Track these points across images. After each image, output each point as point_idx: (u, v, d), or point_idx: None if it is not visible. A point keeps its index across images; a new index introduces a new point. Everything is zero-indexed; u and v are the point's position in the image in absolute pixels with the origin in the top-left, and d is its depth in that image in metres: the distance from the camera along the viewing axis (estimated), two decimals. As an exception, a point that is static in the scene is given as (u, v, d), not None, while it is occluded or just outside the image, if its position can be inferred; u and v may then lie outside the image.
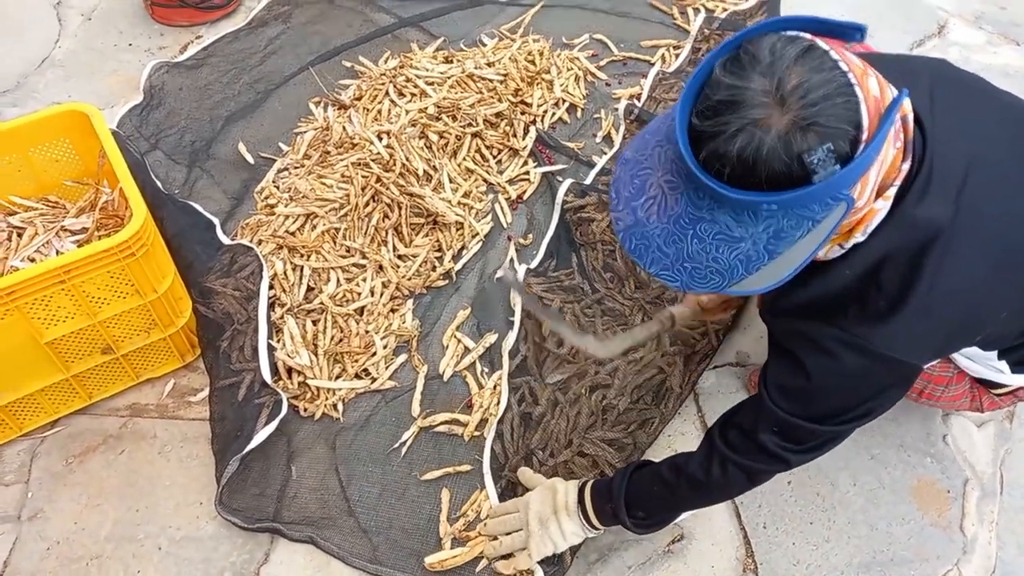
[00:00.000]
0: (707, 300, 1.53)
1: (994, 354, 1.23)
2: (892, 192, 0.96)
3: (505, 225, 1.93)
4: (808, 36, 0.87)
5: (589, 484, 1.35)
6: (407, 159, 1.90)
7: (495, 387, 1.62)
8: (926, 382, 1.39)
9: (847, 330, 1.01)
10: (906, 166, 0.96)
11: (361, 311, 1.72)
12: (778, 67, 0.83)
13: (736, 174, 0.84)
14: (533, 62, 2.22)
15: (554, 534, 1.34)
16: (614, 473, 1.33)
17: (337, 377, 1.63)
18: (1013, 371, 1.27)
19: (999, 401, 1.40)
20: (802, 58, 0.84)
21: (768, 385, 1.10)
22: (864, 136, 0.83)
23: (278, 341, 1.64)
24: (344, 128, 2.01)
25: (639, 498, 1.27)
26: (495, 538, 1.41)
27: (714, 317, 1.61)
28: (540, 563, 1.37)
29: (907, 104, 0.98)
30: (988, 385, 1.38)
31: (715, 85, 0.86)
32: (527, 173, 2.03)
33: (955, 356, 1.33)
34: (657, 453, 1.57)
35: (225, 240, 1.80)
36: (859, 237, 0.98)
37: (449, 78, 2.13)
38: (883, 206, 0.96)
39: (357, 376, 1.64)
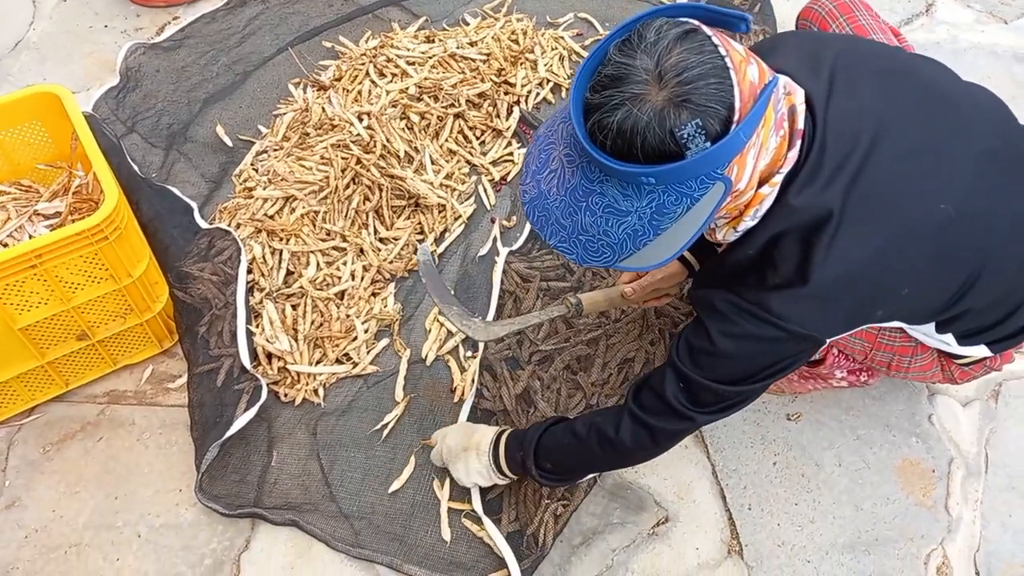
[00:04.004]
0: (631, 291, 1.52)
1: (931, 327, 1.23)
2: (778, 179, 1.02)
3: (489, 207, 1.91)
4: (695, 22, 0.93)
5: (507, 432, 1.39)
6: (388, 140, 1.87)
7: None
8: (891, 354, 1.37)
9: (744, 298, 1.06)
10: (793, 154, 1.02)
11: (342, 295, 1.70)
12: (660, 47, 0.90)
13: (617, 146, 0.91)
14: (517, 41, 2.19)
15: (459, 470, 1.40)
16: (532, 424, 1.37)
17: (318, 362, 1.61)
18: (960, 343, 1.26)
19: (969, 371, 1.38)
20: (683, 39, 0.90)
21: (679, 343, 1.15)
22: (736, 117, 0.90)
23: (257, 326, 1.61)
24: (324, 109, 1.97)
25: (549, 450, 1.30)
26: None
27: (640, 304, 1.58)
28: (513, 545, 1.38)
29: (799, 96, 1.04)
30: (952, 356, 1.36)
31: (607, 62, 0.92)
32: (511, 154, 2.00)
33: (907, 328, 1.30)
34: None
35: (203, 224, 1.77)
36: (749, 221, 1.05)
37: (431, 58, 2.09)
38: (769, 192, 1.02)
39: (338, 361, 1.62)
